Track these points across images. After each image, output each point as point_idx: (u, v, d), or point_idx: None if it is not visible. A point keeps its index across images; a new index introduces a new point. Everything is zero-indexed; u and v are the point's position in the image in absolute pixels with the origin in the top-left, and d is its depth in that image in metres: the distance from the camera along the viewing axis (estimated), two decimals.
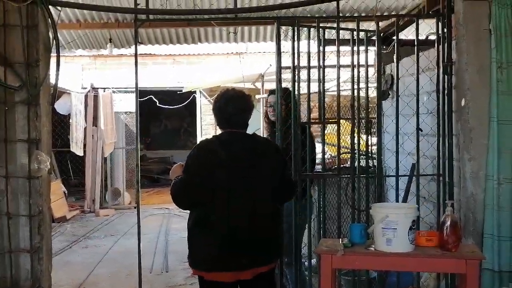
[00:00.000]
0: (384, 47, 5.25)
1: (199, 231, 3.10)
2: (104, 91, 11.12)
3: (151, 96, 11.07)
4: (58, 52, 3.57)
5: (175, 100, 12.24)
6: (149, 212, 10.82)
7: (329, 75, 5.64)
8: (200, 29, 7.00)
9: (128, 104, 11.47)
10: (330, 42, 4.68)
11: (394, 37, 4.25)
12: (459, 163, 3.91)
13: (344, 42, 4.55)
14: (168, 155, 17.09)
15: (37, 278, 3.54)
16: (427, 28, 4.81)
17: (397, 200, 4.05)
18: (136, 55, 4.23)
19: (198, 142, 3.18)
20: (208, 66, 11.57)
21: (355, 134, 4.21)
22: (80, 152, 10.51)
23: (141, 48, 10.90)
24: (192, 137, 16.74)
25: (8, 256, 3.52)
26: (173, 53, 11.40)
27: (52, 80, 3.67)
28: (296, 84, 4.16)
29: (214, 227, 3.05)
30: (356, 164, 4.14)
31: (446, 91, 3.96)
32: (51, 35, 3.65)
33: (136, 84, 4.27)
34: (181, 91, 10.76)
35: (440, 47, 3.98)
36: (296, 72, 4.18)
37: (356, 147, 4.19)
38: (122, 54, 11.27)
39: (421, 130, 4.04)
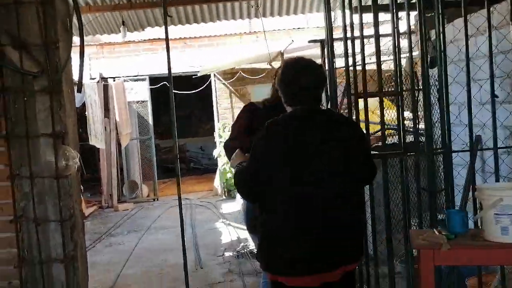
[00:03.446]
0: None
1: (274, 229, 2.62)
2: (114, 80, 10.62)
3: (165, 82, 10.56)
4: (81, 30, 3.07)
5: (188, 86, 11.73)
6: (170, 203, 10.38)
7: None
8: (219, 5, 6.49)
9: (139, 92, 10.99)
10: (366, 9, 4.15)
11: None
12: None
13: (383, 8, 4.06)
14: (181, 143, 16.63)
15: None
16: None
17: (497, 179, 3.48)
18: (166, 32, 3.71)
19: (266, 123, 2.69)
20: (220, 48, 11.03)
21: (416, 107, 3.72)
22: (101, 145, 10.00)
23: (150, 33, 10.38)
24: (204, 123, 16.25)
25: (39, 268, 3.06)
26: (184, 36, 10.88)
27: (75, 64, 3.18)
28: (351, 58, 3.62)
29: (290, 224, 2.57)
30: (421, 140, 3.65)
31: None
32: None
33: (169, 68, 3.76)
34: (196, 75, 10.25)
35: None
36: (350, 43, 3.63)
37: (417, 121, 3.69)
38: (129, 41, 10.80)
39: (497, 97, 3.53)
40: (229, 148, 3.56)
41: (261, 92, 10.73)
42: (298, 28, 10.82)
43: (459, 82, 4.07)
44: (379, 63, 3.58)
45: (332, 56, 3.65)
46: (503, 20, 3.50)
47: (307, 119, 2.63)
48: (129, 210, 10.22)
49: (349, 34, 3.66)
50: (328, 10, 3.64)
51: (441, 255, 2.31)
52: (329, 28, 3.64)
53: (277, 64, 9.80)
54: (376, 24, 3.60)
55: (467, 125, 3.55)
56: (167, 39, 3.76)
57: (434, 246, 2.33)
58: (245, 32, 10.99)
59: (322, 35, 9.89)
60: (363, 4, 3.99)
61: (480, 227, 2.47)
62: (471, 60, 3.97)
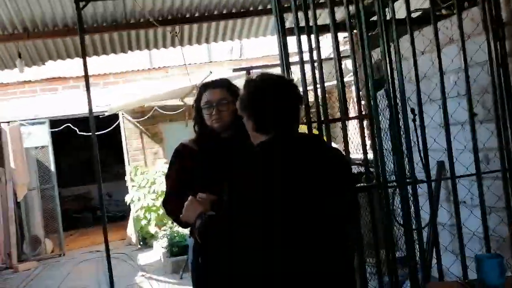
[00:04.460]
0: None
1: None
2: (8, 124, 9.50)
3: (68, 124, 9.61)
4: None
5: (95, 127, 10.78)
6: (79, 258, 9.33)
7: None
8: (131, 34, 5.81)
9: (39, 137, 9.92)
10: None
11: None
12: None
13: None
14: (84, 191, 15.43)
15: None
16: None
17: (483, 210, 2.99)
18: (85, 64, 3.03)
19: (245, 156, 2.07)
20: (128, 85, 10.24)
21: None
22: None
23: (47, 72, 9.47)
24: (111, 167, 15.17)
25: None
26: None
27: None
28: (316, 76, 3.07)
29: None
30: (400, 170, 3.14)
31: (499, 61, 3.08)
32: None
33: (90, 108, 3.07)
34: (103, 115, 9.38)
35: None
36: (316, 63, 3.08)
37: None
38: (25, 81, 9.81)
39: (476, 115, 3.12)
40: (168, 206, 2.88)
41: (174, 130, 10.03)
42: (211, 62, 10.33)
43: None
44: (343, 84, 3.07)
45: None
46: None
47: (294, 149, 2.05)
48: (31, 269, 9.02)
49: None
50: (283, 33, 3.08)
51: None
52: (285, 53, 3.07)
53: (190, 100, 9.19)
54: (337, 44, 3.11)
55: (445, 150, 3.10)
56: (86, 72, 3.11)
57: None
58: (154, 68, 10.33)
59: (233, 66, 9.48)
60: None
61: None
62: (429, 78, 3.59)
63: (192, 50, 8.53)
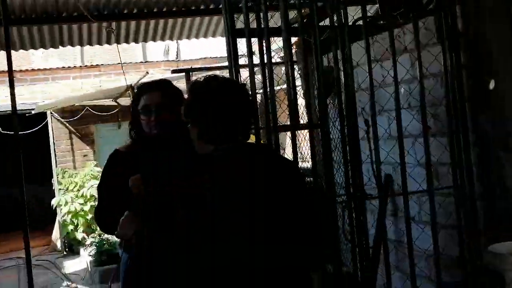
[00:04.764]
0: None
1: None
2: None
3: None
4: None
5: (20, 126, 10.12)
6: None
7: None
8: (63, 28, 5.42)
9: None
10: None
11: None
12: (480, 169, 2.95)
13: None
14: (7, 193, 14.59)
15: None
16: None
17: (433, 228, 2.86)
18: (7, 39, 2.71)
19: (213, 159, 1.88)
20: (58, 83, 9.73)
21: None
22: None
23: None
24: (36, 169, 14.40)
25: None
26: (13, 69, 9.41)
27: None
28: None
29: None
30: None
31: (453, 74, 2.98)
32: None
33: (13, 97, 2.78)
34: (30, 113, 8.84)
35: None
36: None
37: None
38: None
39: (430, 128, 3.01)
40: (101, 219, 2.62)
41: (107, 131, 9.60)
42: (146, 62, 10.00)
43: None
44: (295, 90, 2.88)
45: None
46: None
47: (243, 160, 1.87)
48: None
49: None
50: (232, 34, 2.84)
51: None
52: (235, 55, 2.83)
53: (124, 101, 8.81)
54: (290, 48, 2.92)
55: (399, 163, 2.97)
56: (10, 67, 2.80)
57: None
58: (86, 66, 9.87)
59: (170, 67, 9.18)
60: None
61: None
62: (379, 88, 3.47)
63: (126, 49, 8.18)
